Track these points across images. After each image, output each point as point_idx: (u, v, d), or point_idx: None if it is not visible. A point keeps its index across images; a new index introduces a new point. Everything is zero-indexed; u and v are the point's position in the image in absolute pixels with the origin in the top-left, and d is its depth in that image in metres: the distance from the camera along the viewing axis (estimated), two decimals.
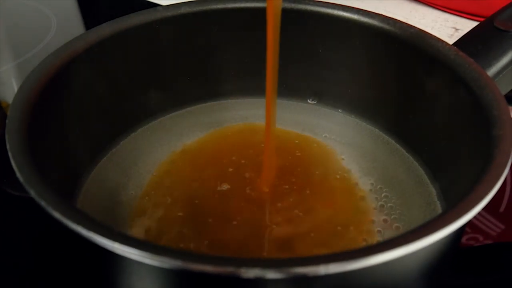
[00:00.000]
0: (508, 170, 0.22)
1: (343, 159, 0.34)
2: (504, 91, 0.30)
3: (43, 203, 0.19)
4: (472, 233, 0.32)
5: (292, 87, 0.37)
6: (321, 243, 0.28)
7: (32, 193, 0.20)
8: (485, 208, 0.33)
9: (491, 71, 0.30)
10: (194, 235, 0.28)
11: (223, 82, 0.37)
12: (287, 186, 0.31)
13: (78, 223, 0.18)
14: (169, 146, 0.34)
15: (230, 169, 0.32)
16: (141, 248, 0.17)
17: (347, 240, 0.28)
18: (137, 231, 0.28)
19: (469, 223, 0.32)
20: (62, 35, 0.53)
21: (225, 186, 0.31)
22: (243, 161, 0.33)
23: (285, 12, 0.34)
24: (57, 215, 0.19)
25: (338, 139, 0.35)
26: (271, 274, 0.17)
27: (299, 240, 0.28)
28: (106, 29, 0.31)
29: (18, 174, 0.21)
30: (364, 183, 0.32)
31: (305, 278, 0.18)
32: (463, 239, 0.32)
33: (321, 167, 0.33)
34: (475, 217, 0.33)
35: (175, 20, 0.34)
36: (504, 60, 0.30)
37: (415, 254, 0.19)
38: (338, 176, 0.32)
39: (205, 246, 0.27)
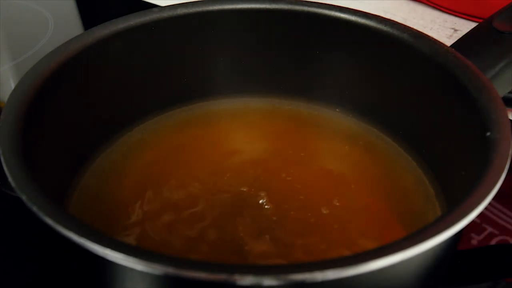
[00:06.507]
0: (505, 174, 0.22)
1: (341, 159, 0.34)
2: (502, 93, 0.30)
3: (34, 208, 0.19)
4: (501, 236, 0.32)
5: (290, 87, 0.37)
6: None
7: (24, 198, 0.20)
8: None
9: (489, 73, 0.29)
10: (190, 237, 0.28)
11: (219, 82, 0.37)
12: (289, 178, 0.31)
13: (69, 229, 0.18)
14: (165, 146, 0.34)
15: (226, 166, 0.32)
16: (133, 254, 0.17)
17: (346, 240, 0.28)
18: (131, 233, 0.28)
19: (496, 225, 0.32)
20: (60, 36, 0.53)
21: (222, 185, 0.31)
22: (237, 158, 0.33)
23: (283, 13, 0.34)
24: (48, 220, 0.19)
25: (335, 140, 0.35)
26: (267, 281, 0.17)
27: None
28: (102, 30, 0.31)
29: (10, 179, 0.21)
30: (364, 183, 0.32)
31: (301, 285, 0.18)
32: (493, 242, 0.31)
33: (318, 166, 0.33)
34: (503, 219, 0.32)
35: (171, 21, 0.33)
36: (502, 62, 0.30)
37: (413, 259, 0.19)
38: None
39: (204, 250, 0.27)
